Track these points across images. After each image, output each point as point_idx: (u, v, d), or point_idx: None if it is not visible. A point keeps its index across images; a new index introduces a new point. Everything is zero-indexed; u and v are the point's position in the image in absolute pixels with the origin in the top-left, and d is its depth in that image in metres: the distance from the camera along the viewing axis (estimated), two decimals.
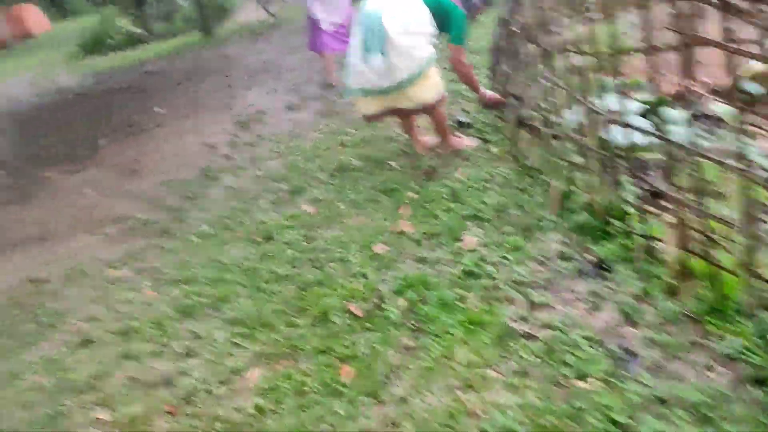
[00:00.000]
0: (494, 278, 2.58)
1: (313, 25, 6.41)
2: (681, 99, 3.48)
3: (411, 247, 3.04)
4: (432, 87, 3.93)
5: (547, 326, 2.22)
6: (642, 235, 2.41)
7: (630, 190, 2.64)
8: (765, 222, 2.19)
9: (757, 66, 3.46)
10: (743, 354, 1.89)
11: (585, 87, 2.77)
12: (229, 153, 5.36)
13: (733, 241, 2.14)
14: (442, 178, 3.71)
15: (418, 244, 3.05)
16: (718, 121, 3.47)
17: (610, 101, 2.66)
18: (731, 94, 1.99)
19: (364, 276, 2.87)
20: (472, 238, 2.94)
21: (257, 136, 5.64)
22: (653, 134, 2.54)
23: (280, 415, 2.14)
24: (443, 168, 3.85)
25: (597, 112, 2.67)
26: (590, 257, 2.53)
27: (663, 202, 2.73)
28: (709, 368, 1.90)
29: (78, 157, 6.29)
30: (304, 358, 2.42)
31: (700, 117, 3.35)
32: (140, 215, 4.37)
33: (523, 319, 2.30)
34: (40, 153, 6.82)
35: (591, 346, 2.07)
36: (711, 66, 3.89)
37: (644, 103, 3.49)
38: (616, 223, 2.59)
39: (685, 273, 2.19)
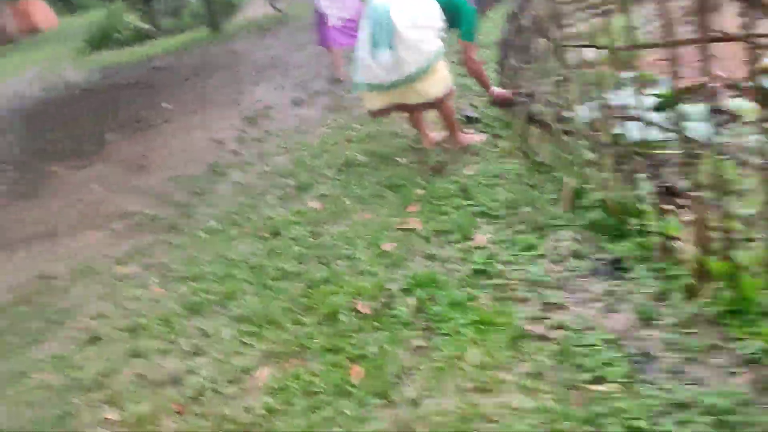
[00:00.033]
0: (506, 277, 2.53)
1: (321, 20, 6.37)
2: (696, 94, 3.42)
3: (420, 244, 3.00)
4: (440, 81, 3.88)
5: (562, 327, 2.17)
6: (658, 234, 2.35)
7: (645, 187, 2.58)
8: None
9: None
10: (765, 357, 1.84)
11: (598, 81, 2.71)
12: (236, 148, 5.33)
13: (753, 240, 2.09)
14: (451, 174, 3.66)
15: (427, 241, 3.01)
16: (733, 116, 3.40)
17: (624, 96, 2.60)
18: (750, 89, 1.93)
19: (372, 274, 2.83)
20: (482, 235, 2.90)
21: (264, 132, 5.61)
22: (670, 130, 2.48)
23: (290, 415, 2.11)
24: (452, 164, 3.80)
25: (611, 107, 2.62)
26: (605, 256, 2.48)
27: (679, 200, 2.67)
28: (730, 372, 1.85)
29: (85, 153, 6.27)
30: (312, 358, 2.38)
31: (715, 112, 3.28)
32: (148, 211, 4.35)
33: (537, 319, 2.25)
34: (47, 148, 6.81)
35: (607, 349, 2.02)
36: (725, 60, 3.83)
37: (658, 97, 3.42)
38: (632, 220, 2.53)
39: (703, 273, 2.13)
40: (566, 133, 3.11)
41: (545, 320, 2.23)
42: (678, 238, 2.32)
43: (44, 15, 21.53)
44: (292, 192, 4.08)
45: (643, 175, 2.63)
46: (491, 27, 5.83)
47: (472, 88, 4.77)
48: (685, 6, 2.81)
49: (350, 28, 6.11)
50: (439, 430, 1.89)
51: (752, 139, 2.34)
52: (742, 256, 2.06)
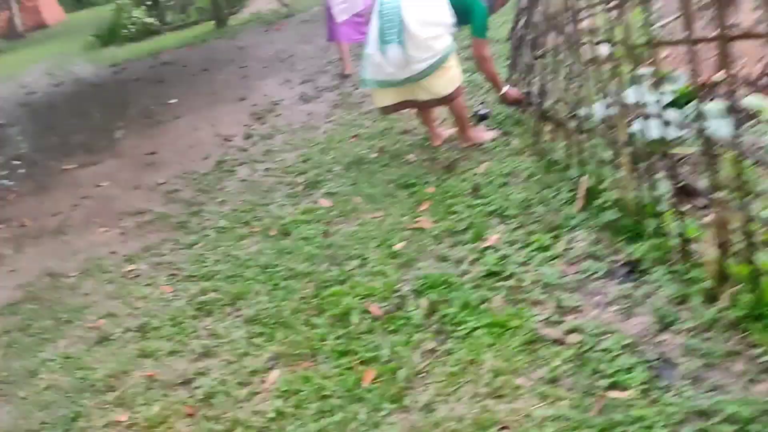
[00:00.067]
0: (520, 279, 2.49)
1: (331, 14, 6.32)
2: (712, 91, 3.37)
3: (431, 244, 2.96)
4: (450, 79, 3.84)
5: (578, 331, 2.13)
6: (677, 236, 2.30)
7: (663, 187, 2.53)
8: None
9: None
10: None
11: (615, 78, 2.66)
12: (244, 145, 5.31)
13: None
14: (462, 172, 3.62)
15: (439, 242, 2.98)
16: (749, 115, 3.34)
17: (641, 93, 2.55)
18: None
19: (384, 274, 2.80)
20: (495, 235, 2.86)
21: (272, 128, 5.59)
22: (690, 128, 2.43)
23: (301, 420, 2.08)
24: (463, 162, 3.76)
25: (628, 105, 2.56)
26: (621, 258, 2.43)
27: (698, 201, 2.62)
28: (751, 379, 1.81)
29: (95, 149, 6.26)
30: (324, 360, 2.35)
31: (733, 110, 3.22)
32: (157, 209, 4.34)
33: (553, 323, 2.21)
34: (57, 144, 6.80)
35: (625, 354, 1.98)
36: (741, 56, 3.76)
37: (674, 95, 3.36)
38: (649, 221, 2.49)
39: (723, 276, 2.08)
40: (580, 130, 3.06)
41: (561, 324, 2.19)
42: (697, 241, 2.27)
43: (52, 10, 21.55)
44: (301, 190, 4.06)
45: (661, 175, 2.58)
46: (501, 20, 5.78)
47: (483, 84, 4.72)
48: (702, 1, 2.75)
49: (360, 24, 6.07)
50: None
51: None
52: (763, 259, 2.01)
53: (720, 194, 2.08)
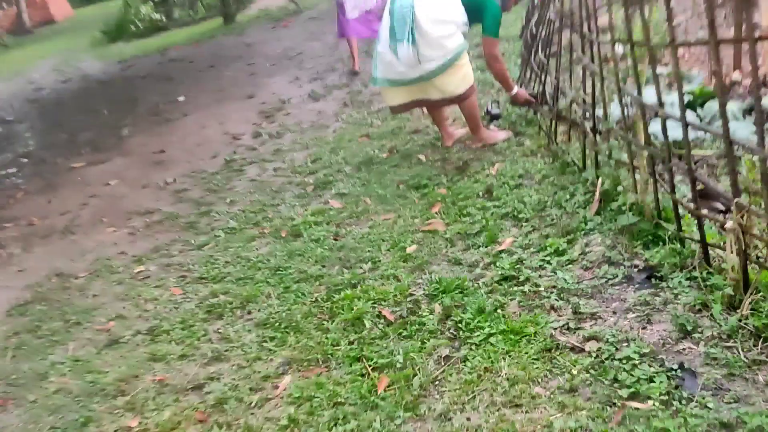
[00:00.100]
0: (536, 284, 2.45)
1: (341, 10, 6.28)
2: (730, 91, 3.30)
3: (444, 247, 2.93)
4: (463, 77, 3.80)
5: (596, 339, 2.09)
6: (697, 241, 2.26)
7: (682, 191, 2.48)
8: None
9: None
10: None
11: (633, 78, 2.60)
12: (253, 144, 5.28)
13: None
14: (475, 173, 3.58)
15: (452, 244, 2.94)
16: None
17: (659, 93, 2.50)
18: None
19: (396, 278, 2.77)
20: (509, 239, 2.82)
21: (281, 126, 5.55)
22: (707, 129, 2.38)
23: (315, 427, 2.05)
24: (475, 162, 3.72)
25: (646, 105, 2.51)
26: (639, 263, 2.38)
27: (716, 204, 2.58)
28: None
29: (103, 147, 6.25)
30: (336, 366, 2.32)
31: (752, 111, 3.16)
32: (166, 208, 4.31)
33: (570, 330, 2.17)
34: (65, 142, 6.79)
35: (645, 362, 1.94)
36: (759, 56, 3.69)
37: (689, 95, 3.31)
38: (667, 226, 2.44)
39: (746, 283, 2.04)
40: (596, 131, 3.01)
41: (578, 331, 2.15)
42: (718, 246, 2.23)
43: (60, 6, 21.57)
44: (311, 190, 4.02)
45: (680, 178, 2.53)
46: (512, 18, 5.72)
47: (495, 83, 4.67)
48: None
49: (370, 20, 6.03)
50: None
51: None
52: None
53: (741, 199, 2.03)
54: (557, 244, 2.65)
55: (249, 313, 2.82)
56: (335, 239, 3.28)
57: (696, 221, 2.28)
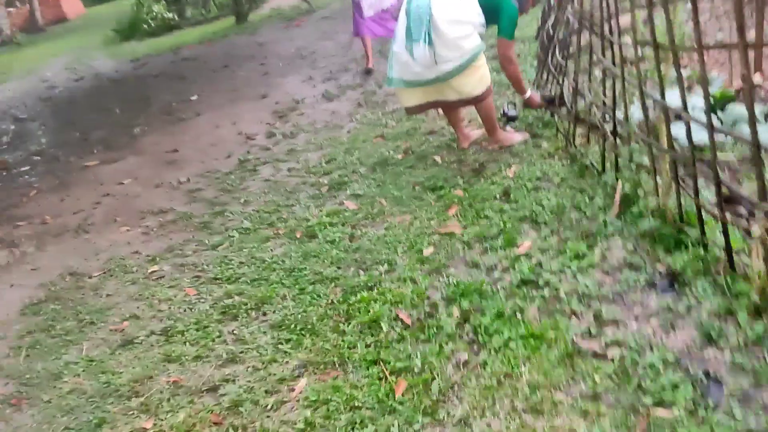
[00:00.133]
0: (555, 288, 2.41)
1: (357, 9, 6.27)
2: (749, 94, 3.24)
3: (461, 250, 2.90)
4: (480, 78, 3.76)
5: (618, 345, 2.05)
6: (721, 246, 2.21)
7: (706, 195, 2.44)
8: None
9: None
10: None
11: (654, 80, 2.56)
12: (266, 144, 5.27)
13: None
14: (492, 175, 3.55)
15: (469, 247, 2.91)
16: None
17: (683, 96, 2.45)
18: None
19: (413, 281, 2.74)
20: (527, 242, 2.78)
21: (295, 127, 5.54)
22: (729, 133, 2.34)
23: (331, 431, 2.03)
24: (492, 164, 3.68)
25: (669, 108, 2.47)
26: (662, 268, 2.34)
27: (740, 208, 2.53)
28: None
29: (116, 146, 6.26)
30: (353, 369, 2.30)
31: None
32: (179, 208, 4.31)
33: (591, 335, 2.13)
34: (78, 140, 6.82)
35: (669, 369, 1.90)
36: None
37: (711, 98, 3.26)
38: (690, 230, 2.39)
39: None
40: (616, 134, 2.97)
41: (600, 337, 2.12)
42: (743, 252, 2.18)
43: (72, 4, 21.74)
44: (326, 191, 4.00)
45: (703, 181, 2.49)
46: (527, 19, 5.68)
47: (510, 85, 4.62)
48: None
49: (385, 19, 6.02)
50: None
51: None
52: None
53: (766, 203, 1.99)
54: (577, 248, 2.61)
55: (264, 314, 2.81)
56: (351, 240, 3.26)
57: (720, 226, 2.23)
